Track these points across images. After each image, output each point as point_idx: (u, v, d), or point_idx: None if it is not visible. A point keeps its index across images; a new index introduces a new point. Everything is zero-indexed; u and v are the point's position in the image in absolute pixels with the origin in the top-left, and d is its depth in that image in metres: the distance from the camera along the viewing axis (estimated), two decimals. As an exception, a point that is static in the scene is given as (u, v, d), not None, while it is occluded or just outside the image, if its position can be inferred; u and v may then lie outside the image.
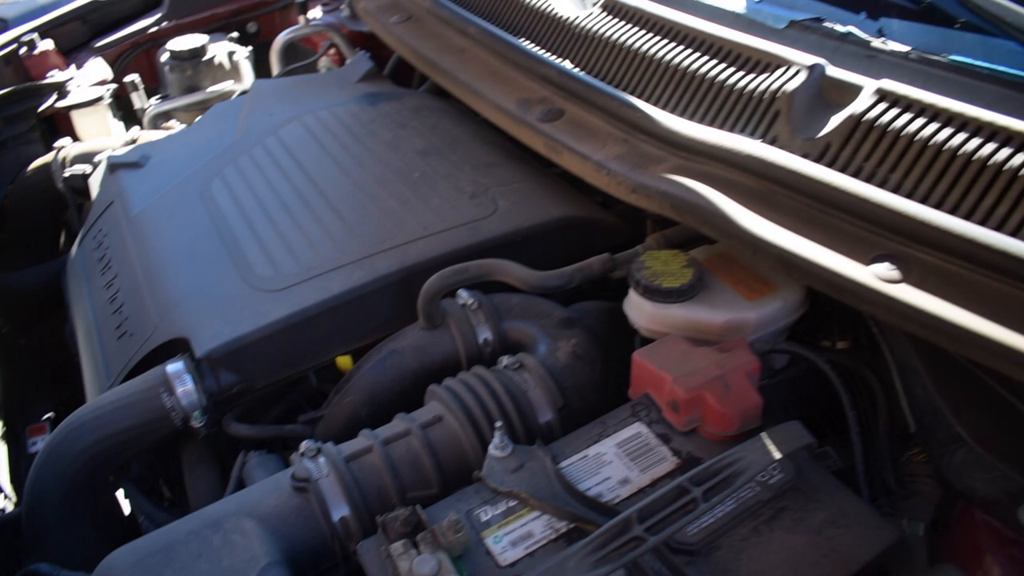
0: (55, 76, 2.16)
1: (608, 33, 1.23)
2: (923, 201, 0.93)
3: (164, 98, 2.31)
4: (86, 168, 1.77)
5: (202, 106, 2.15)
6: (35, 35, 2.22)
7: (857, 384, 1.10)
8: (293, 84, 1.85)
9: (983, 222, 0.89)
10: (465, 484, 0.94)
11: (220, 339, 1.14)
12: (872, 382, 1.08)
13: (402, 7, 1.59)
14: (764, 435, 0.88)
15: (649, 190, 1.02)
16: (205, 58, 2.29)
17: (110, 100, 2.15)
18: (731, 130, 1.06)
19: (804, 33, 1.17)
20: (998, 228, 0.89)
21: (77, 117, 2.10)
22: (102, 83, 2.19)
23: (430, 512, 0.89)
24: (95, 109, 2.10)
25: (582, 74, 1.21)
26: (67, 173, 1.78)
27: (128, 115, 2.27)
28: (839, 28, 1.15)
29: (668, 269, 1.07)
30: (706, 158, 1.01)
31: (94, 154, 1.81)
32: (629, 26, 1.22)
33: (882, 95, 0.99)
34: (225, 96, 2.23)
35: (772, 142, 1.03)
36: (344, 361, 1.23)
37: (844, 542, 0.86)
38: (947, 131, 0.94)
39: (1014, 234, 0.86)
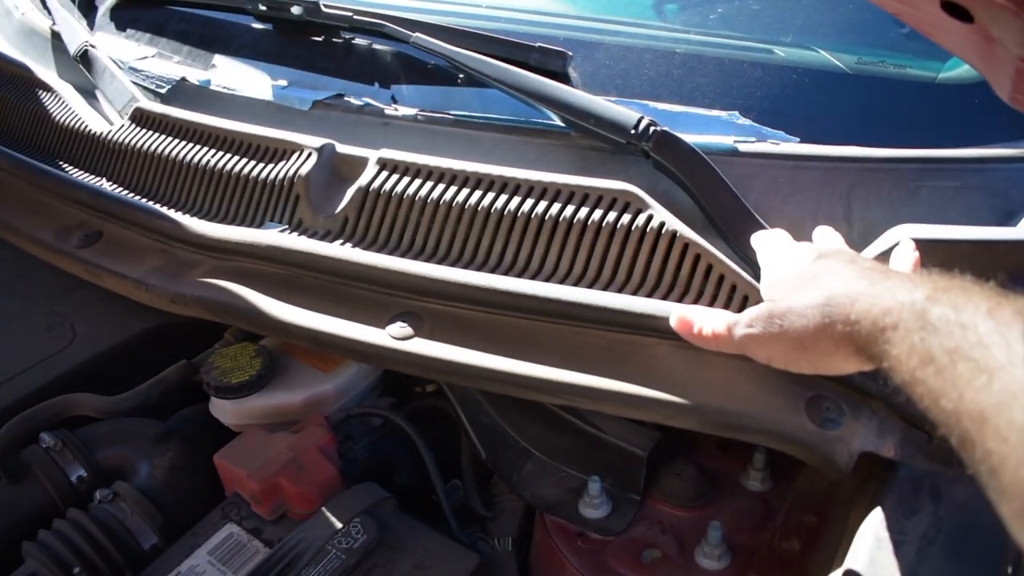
0: None
1: (140, 145, 1.24)
2: (433, 255, 1.02)
3: None
4: None
5: None
6: None
7: (449, 421, 1.18)
8: None
9: (483, 264, 0.99)
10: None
11: None
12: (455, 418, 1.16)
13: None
14: (325, 507, 0.92)
15: (186, 298, 1.04)
16: None
17: None
18: (263, 220, 1.11)
19: (327, 111, 1.25)
20: (496, 267, 0.99)
21: None
22: None
23: None
24: None
25: (115, 192, 1.21)
26: None
27: None
28: (355, 101, 1.23)
29: (236, 364, 1.10)
30: (235, 255, 1.05)
31: None
32: (158, 135, 1.24)
33: (383, 164, 1.07)
34: None
35: (299, 225, 1.09)
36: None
37: (430, 582, 0.93)
38: (440, 187, 1.04)
39: (500, 267, 0.97)
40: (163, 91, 1.37)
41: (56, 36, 1.53)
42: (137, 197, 1.20)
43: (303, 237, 1.04)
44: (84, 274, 1.14)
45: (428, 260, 1.00)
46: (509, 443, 1.07)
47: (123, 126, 1.28)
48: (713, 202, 0.98)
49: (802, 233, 0.96)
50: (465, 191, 1.02)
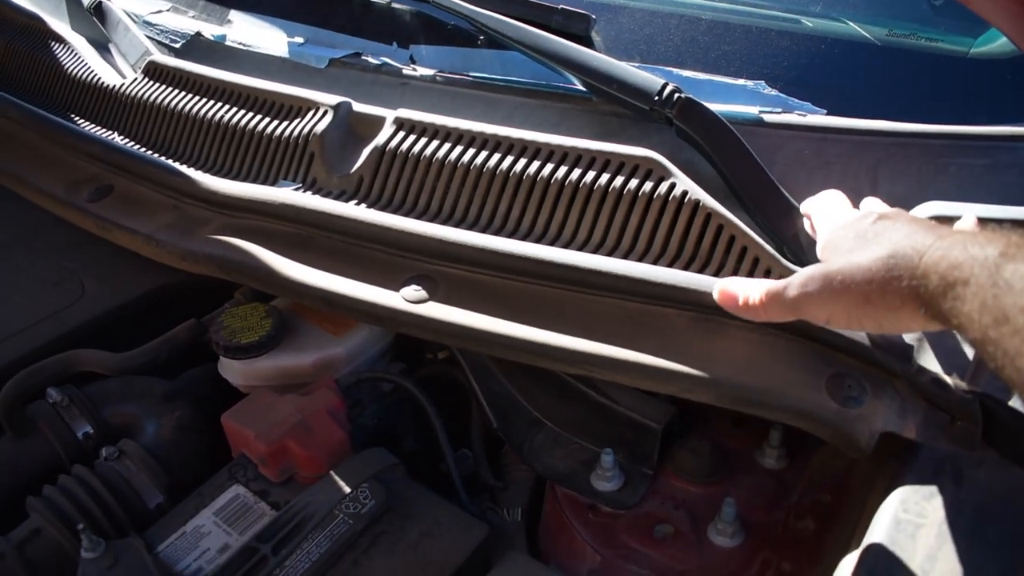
0: None
1: (154, 98, 1.22)
2: (449, 218, 1.00)
3: None
4: None
5: None
6: None
7: (458, 389, 1.16)
8: None
9: (500, 228, 0.97)
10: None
11: None
12: (467, 386, 1.15)
13: (-56, 95, 1.49)
14: (333, 472, 0.91)
15: (196, 255, 1.02)
16: None
17: None
18: (277, 178, 1.09)
19: (344, 70, 1.22)
20: (513, 232, 0.97)
21: None
22: None
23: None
24: None
25: (128, 146, 1.19)
26: None
27: None
28: (373, 61, 1.21)
29: (246, 324, 1.08)
30: (248, 212, 1.03)
31: None
32: (173, 89, 1.22)
33: (400, 123, 1.05)
34: None
35: (313, 183, 1.07)
36: (-68, 494, 1.12)
37: (438, 550, 0.91)
38: (458, 148, 1.01)
39: (518, 232, 0.95)
40: (177, 46, 1.35)
41: (70, -12, 1.51)
42: (149, 152, 1.18)
43: (317, 196, 1.02)
44: (94, 228, 1.12)
45: (444, 223, 0.98)
46: (521, 413, 1.05)
47: (136, 80, 1.26)
48: (737, 172, 0.96)
49: (827, 207, 0.94)
50: (484, 154, 1.00)
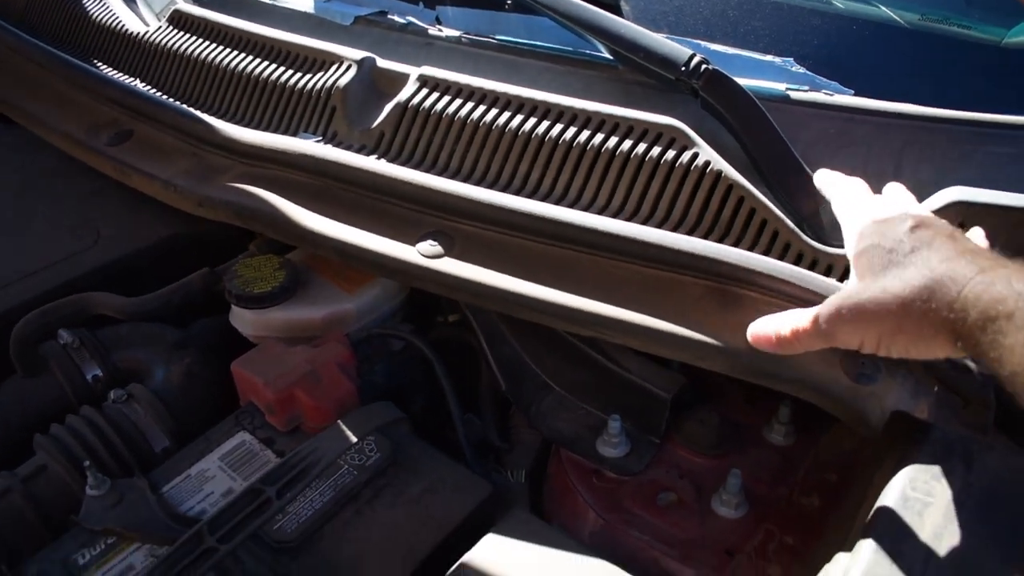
0: None
1: (177, 47, 1.22)
2: (469, 176, 1.00)
3: None
4: None
5: None
6: None
7: (470, 352, 1.16)
8: None
9: (519, 189, 0.97)
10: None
11: None
12: (477, 349, 1.14)
13: (-31, 39, 1.49)
14: (341, 421, 0.91)
15: (214, 201, 1.02)
16: None
17: None
18: (297, 130, 1.09)
19: (369, 27, 1.22)
20: (533, 192, 0.97)
21: None
22: None
23: (24, 568, 0.85)
24: None
25: (149, 91, 1.19)
26: None
27: None
28: (399, 19, 1.20)
29: (260, 275, 1.08)
30: (267, 162, 1.03)
31: None
32: (197, 38, 1.22)
33: (424, 81, 1.04)
34: None
35: (333, 137, 1.06)
36: (-57, 429, 1.13)
37: (440, 505, 0.91)
38: (481, 108, 1.01)
39: (538, 194, 0.94)
40: (202, -5, 1.35)
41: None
42: (170, 99, 1.17)
43: (337, 148, 1.02)
44: (112, 172, 1.12)
45: (463, 182, 0.98)
46: (530, 376, 1.05)
47: (160, 28, 1.26)
48: (761, 147, 0.95)
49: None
50: (507, 115, 1.00)
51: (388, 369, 1.14)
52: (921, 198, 0.88)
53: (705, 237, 0.90)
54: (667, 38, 1.04)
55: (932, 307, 0.60)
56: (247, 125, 1.12)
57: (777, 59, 1.07)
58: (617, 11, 1.13)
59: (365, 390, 1.04)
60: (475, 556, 0.83)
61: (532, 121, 0.98)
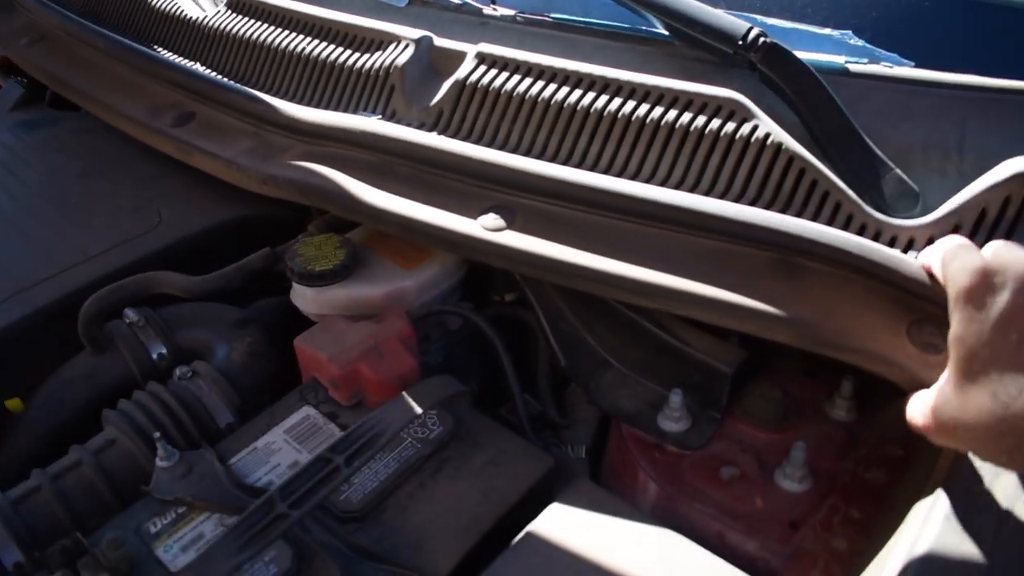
0: None
1: (235, 30, 1.24)
2: (528, 152, 1.00)
3: None
4: None
5: None
6: None
7: (525, 331, 1.17)
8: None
9: (579, 164, 0.97)
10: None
11: None
12: (534, 327, 1.15)
13: (33, 28, 1.52)
14: (406, 393, 0.92)
15: (277, 179, 1.04)
16: None
17: None
18: (356, 109, 1.10)
19: (424, 8, 1.23)
20: (593, 166, 0.97)
21: None
22: None
23: (97, 536, 0.88)
24: None
25: (209, 74, 1.21)
26: None
27: None
28: (453, 0, 1.21)
29: (321, 253, 1.09)
30: (327, 140, 1.04)
31: None
32: (255, 22, 1.24)
33: (482, 58, 1.05)
34: None
35: (392, 115, 1.08)
36: (14, 404, 1.16)
37: (503, 478, 0.92)
38: (539, 84, 1.01)
39: (597, 167, 0.94)
40: (258, -20, 1.36)
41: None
42: (230, 81, 1.19)
43: (399, 126, 1.03)
44: (175, 152, 1.15)
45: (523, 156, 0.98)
46: (589, 352, 1.05)
47: (219, 12, 1.28)
48: (821, 120, 0.95)
49: (911, 158, 0.93)
50: (565, 90, 1.00)
51: (444, 349, 1.15)
52: (985, 169, 0.87)
53: (766, 209, 0.90)
54: (724, 12, 1.03)
55: None
56: (306, 105, 1.14)
57: (835, 32, 1.06)
58: (672, -14, 1.13)
59: (422, 370, 1.05)
60: (541, 525, 0.83)
61: (591, 96, 0.99)
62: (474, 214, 0.94)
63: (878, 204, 0.90)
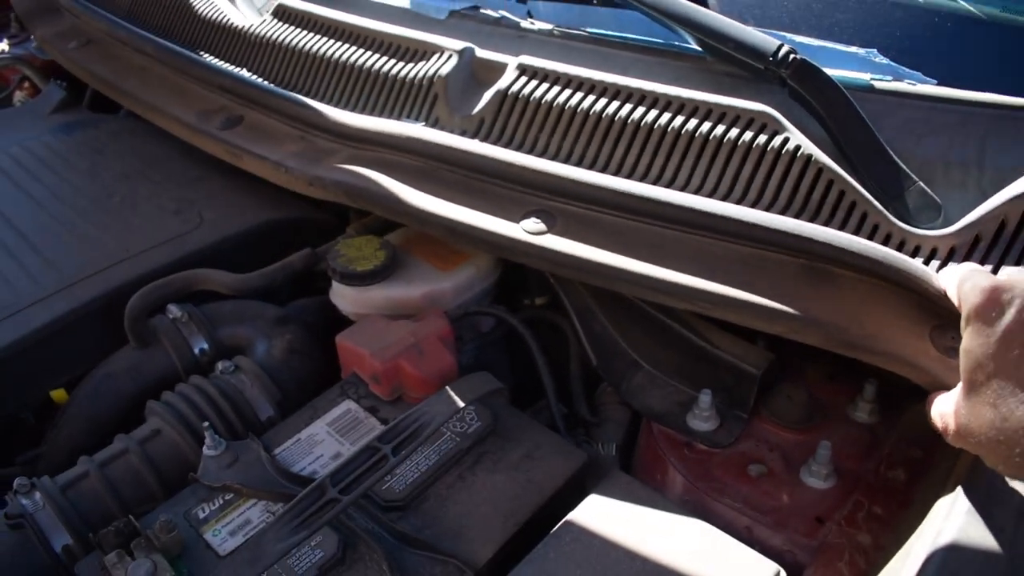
0: None
1: (282, 38, 1.28)
2: (567, 159, 1.04)
3: None
4: None
5: None
6: None
7: (555, 333, 1.21)
8: (-18, 123, 1.77)
9: (616, 172, 1.01)
10: (195, 491, 0.95)
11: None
12: (565, 329, 1.19)
13: (81, 32, 1.57)
14: (448, 388, 0.96)
15: (324, 181, 1.08)
16: None
17: None
18: (399, 117, 1.14)
19: (463, 21, 1.27)
20: (629, 175, 1.01)
21: None
22: None
23: (148, 519, 0.91)
24: None
25: (257, 80, 1.26)
26: None
27: None
28: (492, 13, 1.26)
29: (361, 254, 1.13)
30: (374, 145, 1.08)
31: None
32: (301, 30, 1.28)
33: (522, 70, 1.09)
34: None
35: (435, 123, 1.12)
36: (59, 395, 1.20)
37: (539, 471, 0.96)
38: (579, 95, 1.06)
39: (634, 175, 0.98)
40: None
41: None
42: (277, 87, 1.24)
43: (445, 132, 1.07)
44: (224, 154, 1.19)
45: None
46: (620, 353, 1.09)
47: (265, 21, 1.32)
48: (848, 134, 0.98)
49: (933, 172, 0.96)
50: (604, 101, 1.04)
51: (477, 350, 1.19)
52: (1004, 184, 0.91)
53: (796, 218, 0.93)
54: (755, 29, 1.07)
55: None
56: (350, 111, 1.18)
57: (861, 50, 1.10)
58: (704, 4, 1.17)
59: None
60: (579, 515, 0.87)
61: (628, 107, 1.03)
62: (516, 218, 0.98)
63: (902, 215, 0.94)
